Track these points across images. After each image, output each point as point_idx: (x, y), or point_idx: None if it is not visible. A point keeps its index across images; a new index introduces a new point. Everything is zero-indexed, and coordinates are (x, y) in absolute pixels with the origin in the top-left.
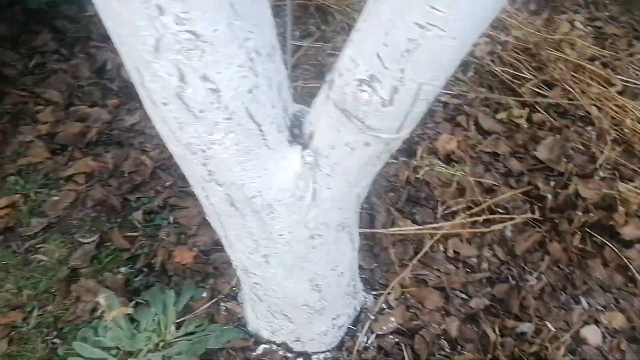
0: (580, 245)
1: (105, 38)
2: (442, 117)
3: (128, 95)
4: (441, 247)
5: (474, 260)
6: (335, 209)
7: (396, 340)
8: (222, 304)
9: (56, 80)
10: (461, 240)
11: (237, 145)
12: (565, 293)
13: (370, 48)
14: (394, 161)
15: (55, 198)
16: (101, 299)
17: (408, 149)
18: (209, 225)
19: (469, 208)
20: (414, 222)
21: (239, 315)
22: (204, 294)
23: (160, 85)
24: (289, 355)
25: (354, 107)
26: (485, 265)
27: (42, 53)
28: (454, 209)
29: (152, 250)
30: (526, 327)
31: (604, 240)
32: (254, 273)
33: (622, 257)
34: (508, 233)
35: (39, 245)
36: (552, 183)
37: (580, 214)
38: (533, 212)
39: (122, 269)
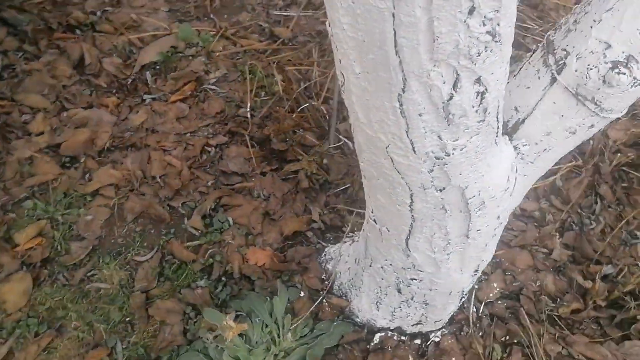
0: (625, 184)
1: (70, 27)
2: None
3: (123, 90)
4: None
5: (538, 214)
6: (520, 195)
7: (505, 304)
8: (323, 300)
9: (33, 82)
10: None
11: (477, 147)
12: (622, 230)
13: (631, 28)
14: None
15: (88, 217)
16: (229, 321)
17: None
18: (273, 220)
19: None
20: None
21: (343, 308)
22: (301, 294)
23: (424, 95)
24: (403, 338)
25: (592, 90)
26: (549, 217)
27: (4, 53)
28: None
29: (223, 257)
30: (609, 268)
31: None
32: (423, 270)
33: None
34: (559, 182)
35: (90, 273)
36: None
37: (614, 155)
38: (576, 159)
39: (200, 282)
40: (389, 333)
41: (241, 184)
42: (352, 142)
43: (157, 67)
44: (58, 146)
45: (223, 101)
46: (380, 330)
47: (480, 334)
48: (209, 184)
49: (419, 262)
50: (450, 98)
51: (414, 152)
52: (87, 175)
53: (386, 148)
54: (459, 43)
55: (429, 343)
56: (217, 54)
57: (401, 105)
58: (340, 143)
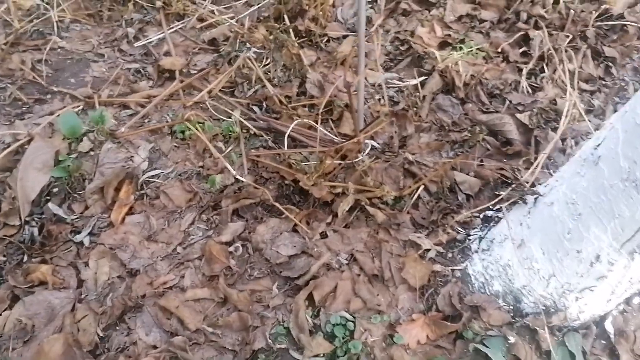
0: None
1: None
2: (384, 14)
3: (35, 249)
4: None
5: None
6: None
7: None
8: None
9: None
10: None
11: None
12: None
13: None
14: None
15: None
16: None
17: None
18: (387, 280)
19: None
20: None
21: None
22: (510, 339)
23: None
24: None
25: None
26: None
27: None
28: None
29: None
30: None
31: None
32: None
33: None
34: None
35: None
36: None
37: None
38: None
39: None
40: None
41: (315, 265)
42: (375, 140)
43: (56, 189)
44: None
45: (182, 183)
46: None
47: None
48: (275, 288)
49: None
50: None
51: None
52: None
53: None
54: None
55: None
56: (122, 130)
57: None
58: (369, 149)
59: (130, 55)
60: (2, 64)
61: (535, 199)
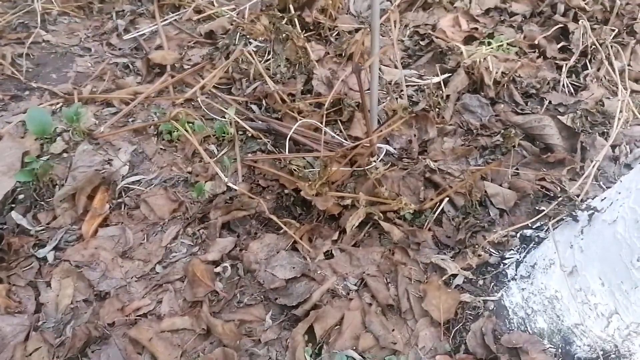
0: None
1: None
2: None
3: None
4: None
5: None
6: None
7: None
8: None
9: None
10: None
11: None
12: None
13: None
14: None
15: None
16: None
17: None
18: (405, 311)
19: None
20: None
21: None
22: None
23: None
24: None
25: None
26: None
27: None
28: None
29: None
30: None
31: None
32: None
33: None
34: None
35: None
36: None
37: None
38: None
39: None
40: None
41: (317, 292)
42: (391, 145)
43: (21, 196)
44: None
45: (166, 191)
46: None
47: None
48: (269, 319)
49: None
50: None
51: None
52: None
53: None
54: None
55: None
56: (101, 130)
57: None
58: (383, 154)
59: (120, 49)
60: None
61: (591, 215)
